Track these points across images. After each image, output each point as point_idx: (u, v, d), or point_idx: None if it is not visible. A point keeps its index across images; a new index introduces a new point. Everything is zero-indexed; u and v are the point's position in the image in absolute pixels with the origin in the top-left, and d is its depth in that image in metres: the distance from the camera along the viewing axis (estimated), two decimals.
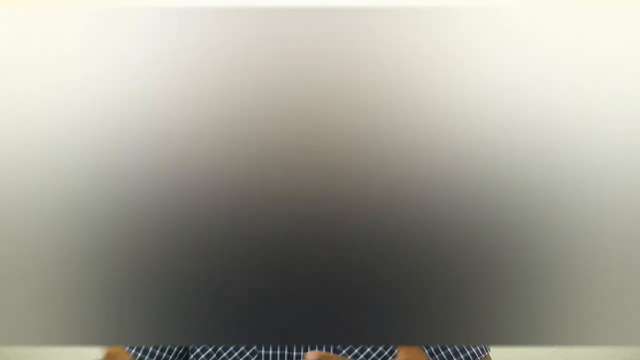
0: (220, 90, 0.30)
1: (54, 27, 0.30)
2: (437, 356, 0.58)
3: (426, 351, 0.60)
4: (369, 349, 0.57)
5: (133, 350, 0.58)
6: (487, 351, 0.59)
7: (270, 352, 0.56)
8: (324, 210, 0.30)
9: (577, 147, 0.30)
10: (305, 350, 0.56)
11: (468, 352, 0.58)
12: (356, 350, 0.57)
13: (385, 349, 0.57)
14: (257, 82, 0.30)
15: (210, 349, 0.58)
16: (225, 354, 0.57)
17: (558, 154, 0.30)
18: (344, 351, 0.56)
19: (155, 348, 0.58)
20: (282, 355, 0.56)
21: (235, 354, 0.57)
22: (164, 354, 0.58)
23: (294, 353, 0.56)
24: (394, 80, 0.30)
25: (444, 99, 0.30)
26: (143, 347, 0.58)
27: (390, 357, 0.57)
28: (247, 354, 0.57)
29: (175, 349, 0.59)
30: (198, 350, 0.58)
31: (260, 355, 0.56)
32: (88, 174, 0.30)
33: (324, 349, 0.57)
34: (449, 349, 0.58)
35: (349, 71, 0.30)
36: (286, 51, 0.30)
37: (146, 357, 0.57)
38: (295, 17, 0.30)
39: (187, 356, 0.61)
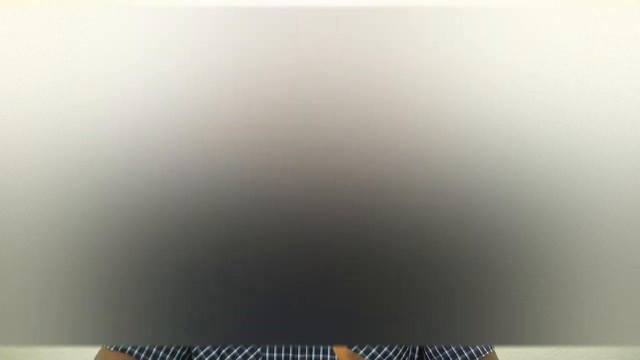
0: (221, 90, 0.30)
1: (54, 27, 0.30)
2: (442, 354, 0.59)
3: (430, 349, 0.60)
4: (373, 350, 0.57)
5: (132, 349, 0.58)
6: (491, 348, 0.59)
7: (275, 354, 0.56)
8: (326, 211, 0.30)
9: (578, 146, 0.30)
10: (310, 353, 0.56)
11: (472, 350, 0.58)
12: (361, 351, 0.57)
13: (390, 349, 0.57)
14: (257, 82, 0.30)
15: (212, 351, 0.58)
16: (228, 355, 0.57)
17: (559, 153, 0.30)
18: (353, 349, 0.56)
19: (159, 349, 0.58)
20: (286, 357, 0.56)
21: (238, 355, 0.57)
22: (166, 355, 0.58)
23: (298, 355, 0.56)
24: (395, 80, 0.30)
25: (445, 99, 0.30)
26: (147, 348, 0.58)
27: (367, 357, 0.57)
28: (251, 355, 0.56)
29: (178, 351, 0.59)
30: (201, 353, 0.58)
31: (264, 358, 0.56)
32: (88, 174, 0.30)
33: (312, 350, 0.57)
34: (452, 348, 0.58)
35: (349, 71, 0.30)
36: (286, 51, 0.30)
37: (143, 355, 0.57)
38: (296, 17, 0.30)
39: (190, 358, 0.60)
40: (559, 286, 0.30)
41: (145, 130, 0.30)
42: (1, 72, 0.30)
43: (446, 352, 0.58)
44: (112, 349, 0.58)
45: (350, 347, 0.56)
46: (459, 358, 0.57)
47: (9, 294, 0.30)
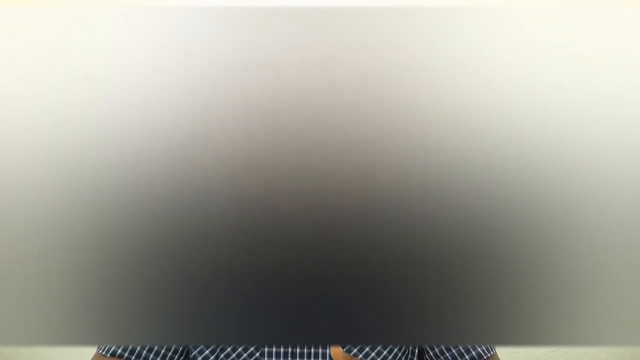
0: (221, 90, 0.30)
1: (54, 27, 0.30)
2: (444, 356, 0.58)
3: (431, 352, 0.60)
4: (384, 351, 0.57)
5: (122, 352, 0.57)
6: (492, 350, 0.59)
7: (274, 348, 0.56)
8: (326, 211, 0.30)
9: (578, 146, 0.30)
10: (309, 348, 0.56)
11: (473, 352, 0.58)
12: (355, 350, 0.57)
13: (389, 352, 0.57)
14: (257, 82, 0.30)
15: (210, 355, 0.58)
16: (229, 349, 0.57)
17: (559, 153, 0.30)
18: (355, 350, 0.56)
19: (152, 353, 0.58)
20: (285, 353, 0.56)
21: (236, 358, 0.57)
22: (155, 357, 0.58)
23: (297, 350, 0.56)
24: (395, 80, 0.30)
25: (445, 99, 0.30)
26: (140, 353, 0.58)
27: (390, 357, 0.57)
28: (252, 349, 0.57)
29: (169, 354, 0.59)
30: (199, 358, 0.58)
31: (262, 353, 0.56)
32: (88, 174, 0.30)
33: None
34: (453, 350, 0.58)
35: (349, 71, 0.30)
36: (286, 51, 0.30)
37: (133, 358, 0.57)
38: (296, 17, 0.30)
39: (189, 351, 0.61)
40: (559, 286, 0.30)
41: (144, 130, 0.30)
42: (1, 72, 0.30)
43: (447, 354, 0.58)
44: (107, 354, 0.58)
45: (346, 347, 0.56)
46: None
47: (9, 294, 0.30)
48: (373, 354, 0.57)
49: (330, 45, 0.30)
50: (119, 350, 0.58)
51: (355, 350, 0.56)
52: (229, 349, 0.57)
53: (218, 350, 0.57)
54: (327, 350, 0.56)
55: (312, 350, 0.56)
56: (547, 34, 0.30)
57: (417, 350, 0.61)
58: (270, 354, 0.56)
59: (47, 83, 0.30)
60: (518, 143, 0.30)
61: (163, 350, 0.59)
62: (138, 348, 0.58)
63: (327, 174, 0.30)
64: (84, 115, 0.30)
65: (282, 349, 0.56)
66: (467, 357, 0.58)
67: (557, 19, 0.30)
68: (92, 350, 0.62)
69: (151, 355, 0.58)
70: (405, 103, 0.30)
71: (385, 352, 0.57)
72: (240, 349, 0.57)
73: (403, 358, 0.59)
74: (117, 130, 0.30)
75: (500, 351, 0.62)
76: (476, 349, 0.58)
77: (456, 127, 0.30)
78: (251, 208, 0.30)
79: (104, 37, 0.30)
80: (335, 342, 0.30)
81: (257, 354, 0.56)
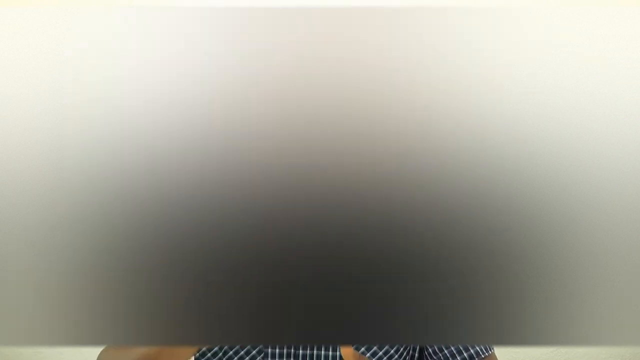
0: (221, 90, 0.30)
1: (54, 27, 0.30)
2: (442, 353, 0.59)
3: (430, 349, 0.60)
4: (375, 348, 0.57)
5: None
6: (491, 349, 0.59)
7: (277, 350, 0.56)
8: (329, 210, 0.30)
9: (578, 146, 0.30)
10: (312, 348, 0.56)
11: (472, 350, 0.58)
12: (362, 348, 0.57)
13: (392, 347, 0.57)
14: (257, 82, 0.30)
15: (219, 352, 0.58)
16: (231, 352, 0.57)
17: (559, 153, 0.30)
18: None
19: None
20: (288, 354, 0.56)
21: (242, 352, 0.57)
22: None
23: (300, 352, 0.56)
24: (394, 80, 0.30)
25: (445, 99, 0.30)
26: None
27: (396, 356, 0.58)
28: (254, 352, 0.57)
29: None
30: (208, 354, 0.59)
31: (266, 354, 0.56)
32: (89, 174, 0.30)
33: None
34: (452, 348, 0.58)
35: (349, 71, 0.30)
36: (287, 51, 0.30)
37: None
38: (296, 17, 0.30)
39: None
40: (559, 286, 0.30)
41: (144, 131, 0.30)
42: (1, 72, 0.30)
43: (446, 352, 0.58)
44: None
45: (352, 346, 0.56)
46: (459, 358, 0.58)
47: (9, 294, 0.30)
48: (375, 348, 0.57)
49: (330, 46, 0.30)
50: None
51: (362, 349, 0.56)
52: (242, 352, 0.57)
53: (228, 349, 0.58)
54: (330, 352, 0.56)
55: (315, 352, 0.56)
56: (547, 34, 0.30)
57: (418, 347, 0.62)
58: (273, 355, 0.56)
59: (47, 83, 0.30)
60: (518, 143, 0.30)
61: None
62: None
63: (329, 173, 0.30)
64: (84, 116, 0.30)
65: (284, 350, 0.56)
66: (465, 354, 0.58)
67: (557, 19, 0.30)
68: (92, 350, 0.62)
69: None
70: (405, 103, 0.30)
71: (387, 347, 0.57)
72: (242, 352, 0.57)
73: (405, 354, 0.59)
74: (117, 131, 0.30)
75: (500, 351, 0.62)
76: (474, 347, 0.58)
77: (455, 127, 0.30)
78: (255, 208, 0.30)
79: (104, 37, 0.30)
80: (337, 342, 0.30)
81: (259, 358, 0.56)
